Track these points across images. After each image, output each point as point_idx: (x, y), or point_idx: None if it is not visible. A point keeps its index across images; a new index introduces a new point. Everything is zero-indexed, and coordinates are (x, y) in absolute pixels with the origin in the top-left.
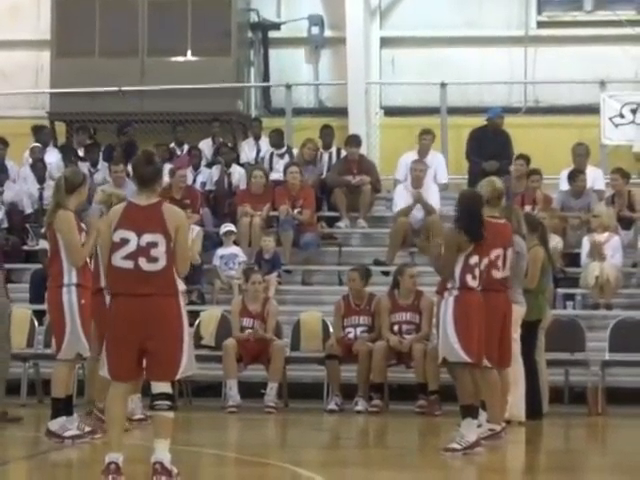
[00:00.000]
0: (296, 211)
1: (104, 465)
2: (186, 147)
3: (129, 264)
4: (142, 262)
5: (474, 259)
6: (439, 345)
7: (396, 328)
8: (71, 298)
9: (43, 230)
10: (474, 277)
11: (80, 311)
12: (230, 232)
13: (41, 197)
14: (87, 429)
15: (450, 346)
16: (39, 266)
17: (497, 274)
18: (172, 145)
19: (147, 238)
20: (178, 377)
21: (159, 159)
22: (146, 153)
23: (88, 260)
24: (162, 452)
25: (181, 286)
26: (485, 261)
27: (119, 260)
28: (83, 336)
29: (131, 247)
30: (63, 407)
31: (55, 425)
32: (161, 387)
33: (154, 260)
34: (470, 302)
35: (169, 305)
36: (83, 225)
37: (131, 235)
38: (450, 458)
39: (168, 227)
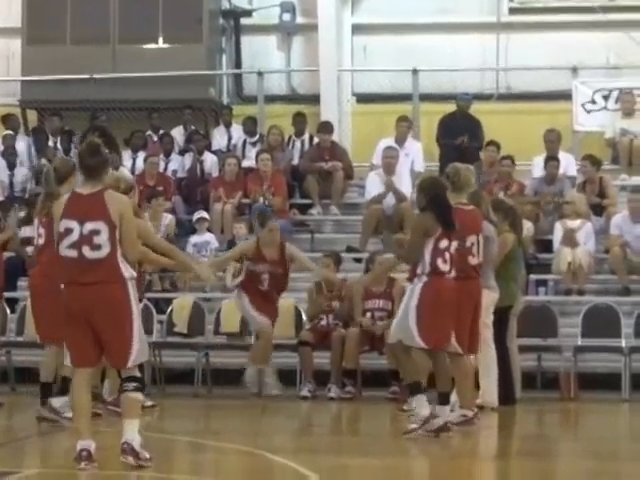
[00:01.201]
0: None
1: (76, 453)
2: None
3: (73, 253)
4: (86, 250)
5: (444, 243)
6: (394, 325)
7: (369, 315)
8: None
9: (21, 216)
10: (445, 261)
11: None
12: (203, 219)
13: (11, 184)
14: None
15: (409, 331)
16: (11, 254)
17: (472, 260)
18: (148, 132)
19: (89, 226)
20: (130, 365)
21: (105, 149)
22: (91, 144)
23: None
24: (131, 433)
25: (128, 272)
26: (454, 245)
27: (64, 249)
28: None
29: (74, 236)
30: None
31: (58, 402)
32: (128, 371)
33: (97, 248)
34: (439, 288)
35: (115, 292)
36: None
37: (74, 224)
38: (413, 439)
39: (111, 214)
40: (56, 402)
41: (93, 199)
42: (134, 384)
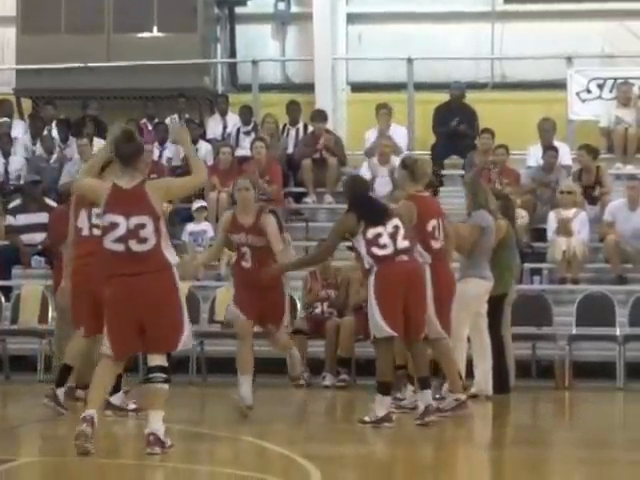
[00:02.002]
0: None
1: (80, 418)
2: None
3: (120, 247)
4: (132, 244)
5: (371, 232)
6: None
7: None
8: None
9: (11, 206)
10: (380, 246)
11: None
12: (202, 208)
13: (6, 171)
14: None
15: (374, 322)
16: (5, 242)
17: (436, 244)
18: (143, 121)
19: (135, 221)
20: (180, 348)
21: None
22: (126, 131)
23: None
24: (156, 423)
25: (173, 259)
26: (390, 227)
27: (110, 243)
28: None
29: (120, 230)
30: (60, 376)
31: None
32: (157, 360)
33: (144, 241)
34: (387, 273)
35: (162, 280)
36: None
37: (119, 219)
38: (361, 428)
39: (154, 206)
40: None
41: (136, 193)
42: (163, 375)
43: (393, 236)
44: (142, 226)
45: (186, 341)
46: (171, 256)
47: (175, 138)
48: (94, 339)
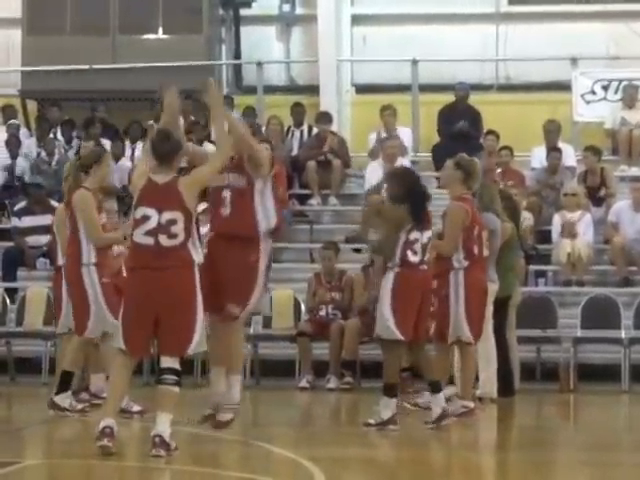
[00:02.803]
0: None
1: (99, 429)
2: None
3: (150, 240)
4: (162, 239)
5: (413, 235)
6: (376, 321)
7: (371, 307)
8: (92, 278)
9: (16, 208)
10: (414, 252)
11: (103, 290)
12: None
13: (12, 173)
14: (79, 407)
15: (384, 323)
16: (11, 244)
17: (477, 250)
18: (151, 122)
19: (167, 216)
20: (190, 352)
21: (177, 136)
22: (163, 131)
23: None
24: (163, 425)
25: (198, 257)
26: (424, 238)
27: (140, 236)
28: (109, 314)
29: (152, 224)
30: (61, 381)
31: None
32: (169, 362)
33: (174, 236)
34: (410, 279)
35: (184, 277)
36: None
37: (152, 212)
38: (365, 431)
39: (186, 203)
40: (60, 400)
41: (169, 188)
42: (174, 378)
43: (425, 247)
44: (173, 222)
45: (196, 346)
46: (196, 254)
47: (209, 100)
48: (89, 341)
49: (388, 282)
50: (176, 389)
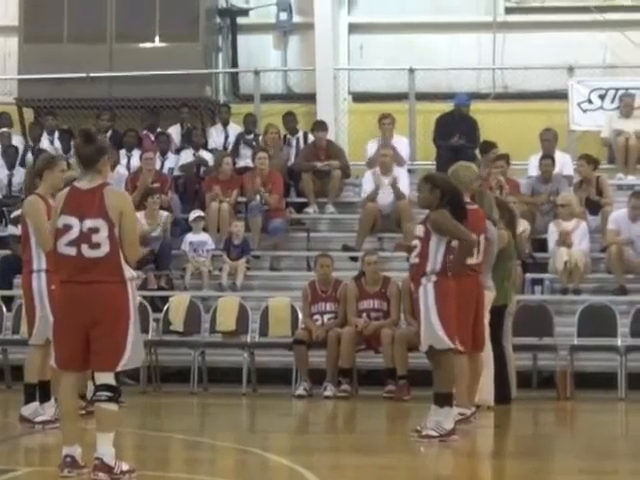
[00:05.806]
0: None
1: (61, 459)
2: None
3: (72, 251)
4: (84, 249)
5: (454, 241)
6: (422, 333)
7: (364, 316)
8: (40, 284)
9: (12, 215)
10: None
11: (50, 297)
12: (200, 218)
13: (10, 183)
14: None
15: (435, 333)
16: (7, 252)
17: (471, 260)
18: (145, 132)
19: (88, 224)
20: (120, 369)
21: (101, 137)
22: (85, 132)
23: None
24: (103, 446)
25: (129, 273)
26: (455, 243)
27: (63, 247)
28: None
29: (74, 233)
30: (40, 393)
31: (27, 410)
32: (103, 378)
33: (96, 246)
34: (448, 287)
35: (113, 292)
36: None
37: (74, 221)
38: (427, 445)
39: (109, 212)
40: (26, 410)
41: (92, 195)
42: (107, 394)
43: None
44: (95, 230)
45: (128, 362)
46: (127, 269)
47: None
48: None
49: (429, 292)
50: (112, 406)
